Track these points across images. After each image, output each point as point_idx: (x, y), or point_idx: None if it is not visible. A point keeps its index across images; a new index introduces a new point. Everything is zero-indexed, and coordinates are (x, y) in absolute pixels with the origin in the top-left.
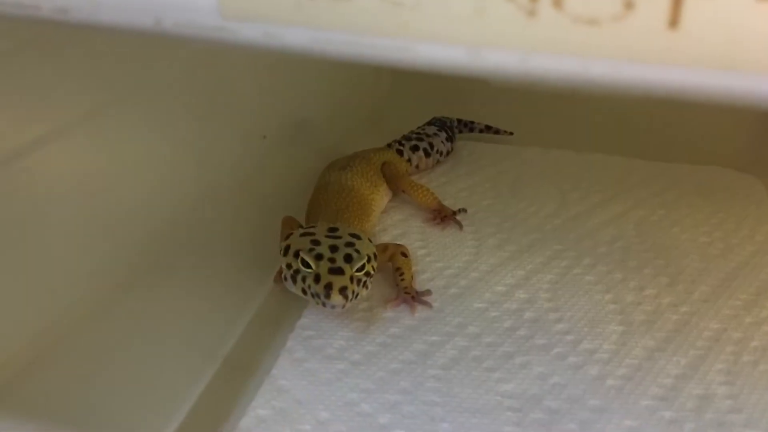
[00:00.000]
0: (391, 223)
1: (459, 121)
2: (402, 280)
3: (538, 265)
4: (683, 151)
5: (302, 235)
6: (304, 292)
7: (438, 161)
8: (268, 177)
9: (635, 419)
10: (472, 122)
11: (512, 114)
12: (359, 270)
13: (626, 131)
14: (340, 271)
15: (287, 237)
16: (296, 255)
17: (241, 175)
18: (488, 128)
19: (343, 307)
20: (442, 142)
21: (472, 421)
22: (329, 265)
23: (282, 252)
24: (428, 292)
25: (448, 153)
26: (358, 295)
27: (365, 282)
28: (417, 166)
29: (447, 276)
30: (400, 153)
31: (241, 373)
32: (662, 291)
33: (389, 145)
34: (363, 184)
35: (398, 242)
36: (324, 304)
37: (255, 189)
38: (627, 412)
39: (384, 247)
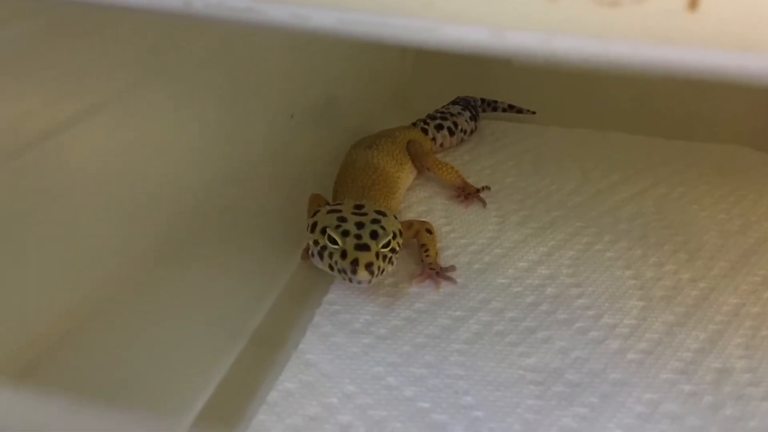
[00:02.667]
0: (416, 200)
1: (482, 100)
2: (427, 256)
3: (560, 242)
4: (703, 130)
5: (329, 212)
6: (330, 267)
7: (462, 140)
8: (295, 155)
9: (655, 392)
10: (496, 101)
11: (534, 93)
12: (385, 246)
13: (647, 110)
14: (366, 248)
15: (314, 214)
16: (323, 232)
17: (269, 154)
18: (511, 107)
19: (369, 282)
20: (466, 121)
21: (495, 394)
22: (355, 241)
23: (309, 229)
24: (452, 267)
25: (471, 132)
26: (383, 270)
27: (391, 258)
28: (441, 145)
29: (471, 252)
30: (425, 132)
31: (269, 347)
32: (682, 267)
33: (414, 124)
34: (388, 162)
35: (423, 219)
36: (350, 280)
37: (282, 167)
38: (647, 385)
39: (409, 224)
